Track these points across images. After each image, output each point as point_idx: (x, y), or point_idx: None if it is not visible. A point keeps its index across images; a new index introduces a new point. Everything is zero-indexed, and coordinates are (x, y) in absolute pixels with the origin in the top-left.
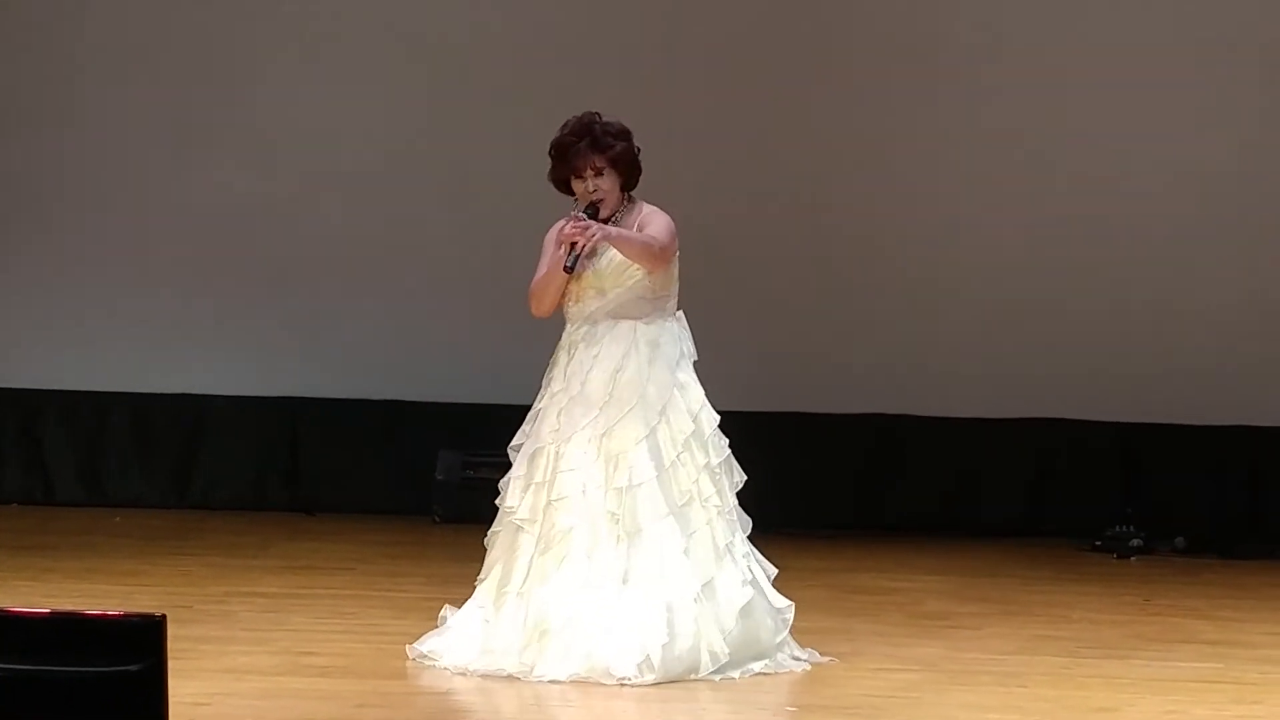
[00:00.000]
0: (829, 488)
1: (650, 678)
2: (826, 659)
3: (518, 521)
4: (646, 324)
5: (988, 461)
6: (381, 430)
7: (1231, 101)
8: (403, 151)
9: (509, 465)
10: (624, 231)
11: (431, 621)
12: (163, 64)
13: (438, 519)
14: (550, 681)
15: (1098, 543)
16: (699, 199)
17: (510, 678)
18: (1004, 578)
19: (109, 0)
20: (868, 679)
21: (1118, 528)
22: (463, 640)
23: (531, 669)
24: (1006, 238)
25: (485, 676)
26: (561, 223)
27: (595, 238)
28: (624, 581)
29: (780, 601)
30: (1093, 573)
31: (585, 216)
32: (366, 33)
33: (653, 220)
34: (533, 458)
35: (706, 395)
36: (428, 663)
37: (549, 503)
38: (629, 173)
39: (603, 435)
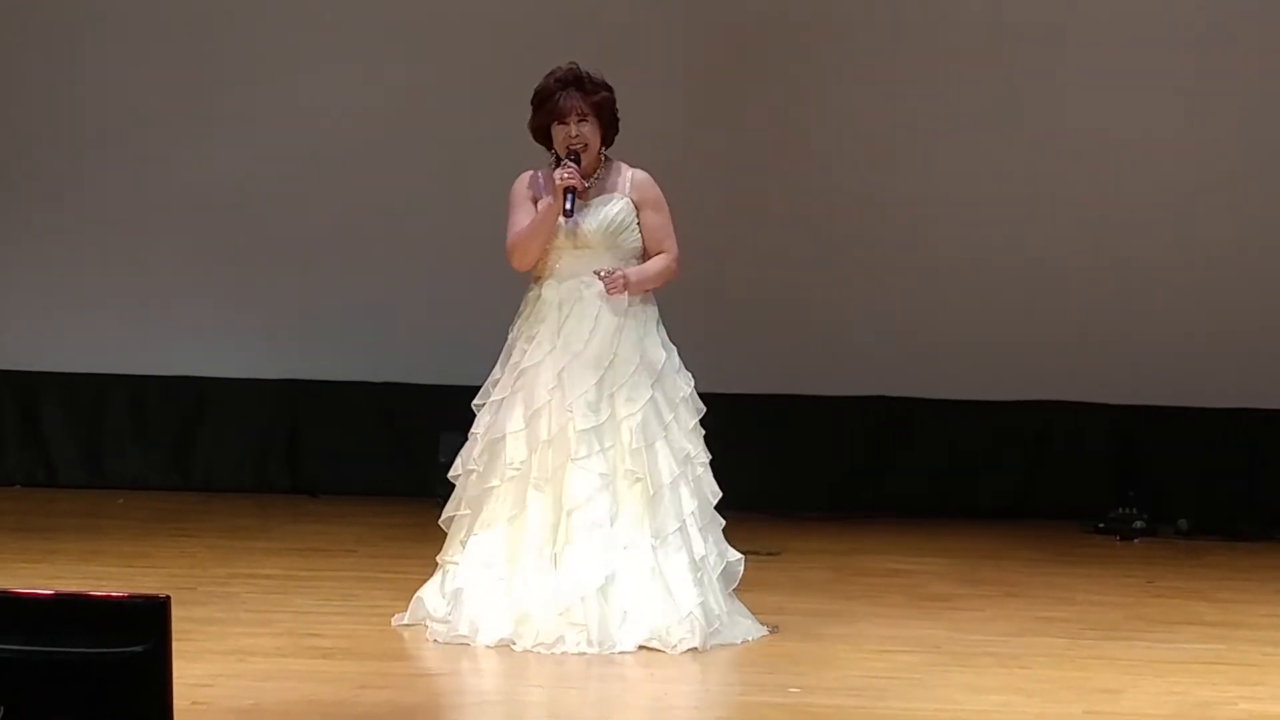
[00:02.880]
0: (830, 470)
1: (699, 639)
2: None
3: (533, 481)
4: None
5: (989, 444)
6: (384, 412)
7: (1232, 82)
8: (405, 135)
9: None
10: (644, 273)
11: None
12: (163, 45)
13: (441, 501)
14: (621, 652)
15: (1100, 525)
16: (700, 180)
17: (509, 650)
18: (1006, 560)
19: None
20: (870, 660)
21: (1120, 510)
22: (487, 608)
23: (593, 640)
24: (1006, 220)
25: (529, 651)
26: (528, 175)
27: (622, 289)
28: (654, 538)
29: (732, 554)
30: (1095, 555)
31: (574, 163)
32: (368, 16)
33: (649, 199)
34: (534, 416)
35: (710, 377)
36: (456, 641)
37: (564, 463)
38: (609, 125)
39: (610, 396)
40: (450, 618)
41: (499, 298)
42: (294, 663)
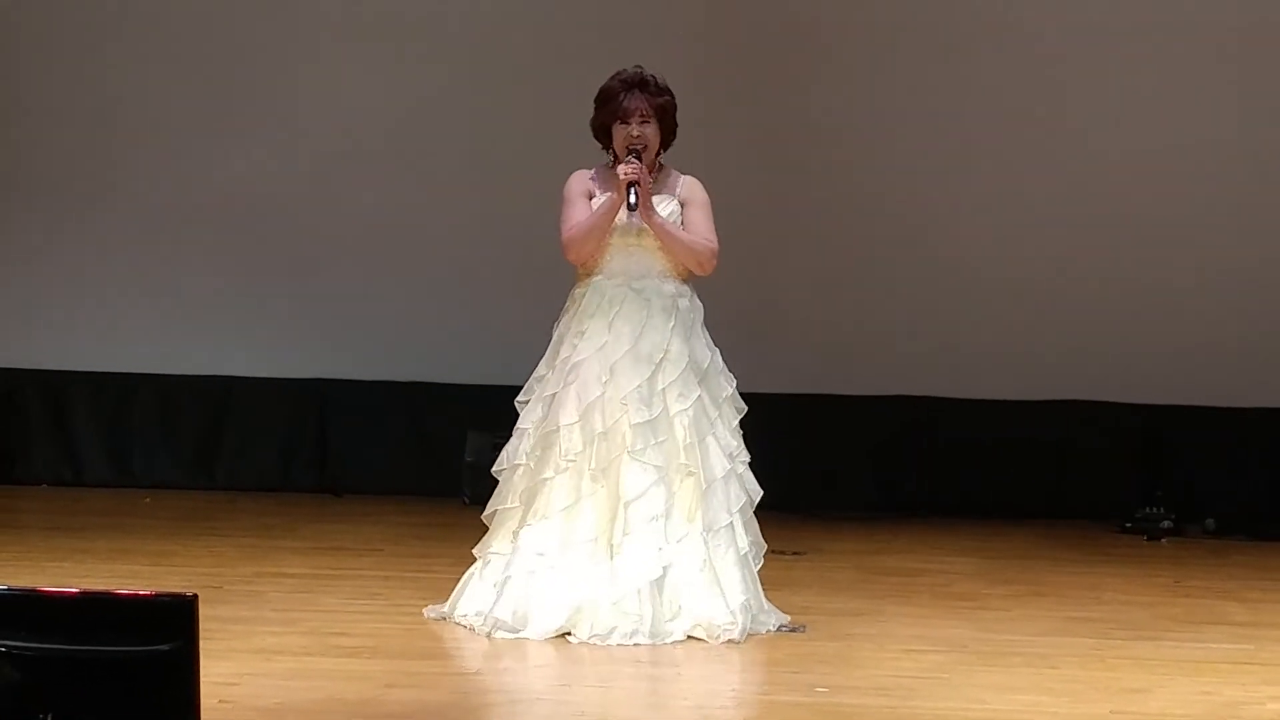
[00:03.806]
0: (857, 470)
1: (740, 632)
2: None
3: (589, 472)
4: (682, 283)
5: (1015, 443)
6: (409, 411)
7: (1256, 87)
8: (431, 134)
9: None
10: (670, 223)
11: None
12: (192, 48)
13: (467, 501)
14: (673, 643)
15: (1127, 524)
16: (724, 181)
17: (535, 648)
18: (1033, 559)
19: None
20: (898, 660)
21: (1148, 509)
22: (541, 598)
23: (645, 631)
24: (1033, 220)
25: (588, 644)
26: (582, 172)
27: (646, 209)
28: (706, 531)
29: (764, 546)
30: (1122, 554)
31: (637, 160)
32: (396, 16)
33: (696, 198)
34: (588, 410)
35: (737, 377)
36: (506, 632)
37: (619, 456)
38: (669, 129)
39: (662, 392)
40: (498, 608)
41: (525, 296)
42: (320, 661)
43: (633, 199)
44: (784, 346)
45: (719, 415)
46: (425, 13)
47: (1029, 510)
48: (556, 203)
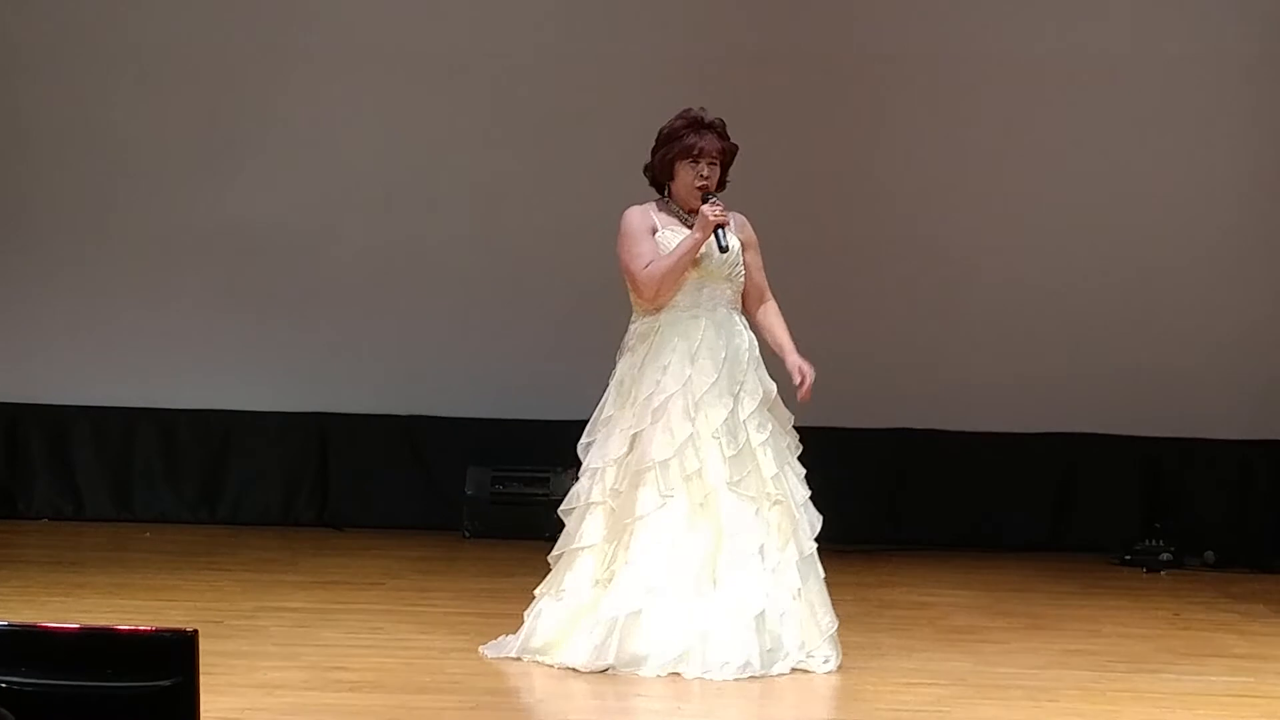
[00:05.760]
0: (856, 503)
1: (837, 659)
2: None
3: (689, 508)
4: (742, 314)
5: (1015, 476)
6: (410, 446)
7: (1260, 114)
8: (429, 171)
9: (538, 480)
10: (791, 340)
11: (462, 636)
12: (194, 83)
13: (467, 534)
14: (777, 675)
15: (1127, 557)
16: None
17: (538, 680)
18: (1033, 592)
19: (139, 24)
20: (897, 693)
21: (1147, 542)
22: (654, 638)
23: (754, 663)
24: (1033, 253)
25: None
26: (637, 209)
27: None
28: (799, 558)
29: None
30: (1122, 587)
31: (718, 200)
32: (396, 57)
33: (752, 241)
34: (681, 446)
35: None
36: (622, 670)
37: (716, 490)
38: (726, 172)
39: (744, 424)
40: (603, 650)
41: (525, 333)
42: (321, 696)
43: (724, 240)
44: (786, 380)
45: (789, 442)
46: (425, 51)
47: (1029, 543)
48: (554, 241)
